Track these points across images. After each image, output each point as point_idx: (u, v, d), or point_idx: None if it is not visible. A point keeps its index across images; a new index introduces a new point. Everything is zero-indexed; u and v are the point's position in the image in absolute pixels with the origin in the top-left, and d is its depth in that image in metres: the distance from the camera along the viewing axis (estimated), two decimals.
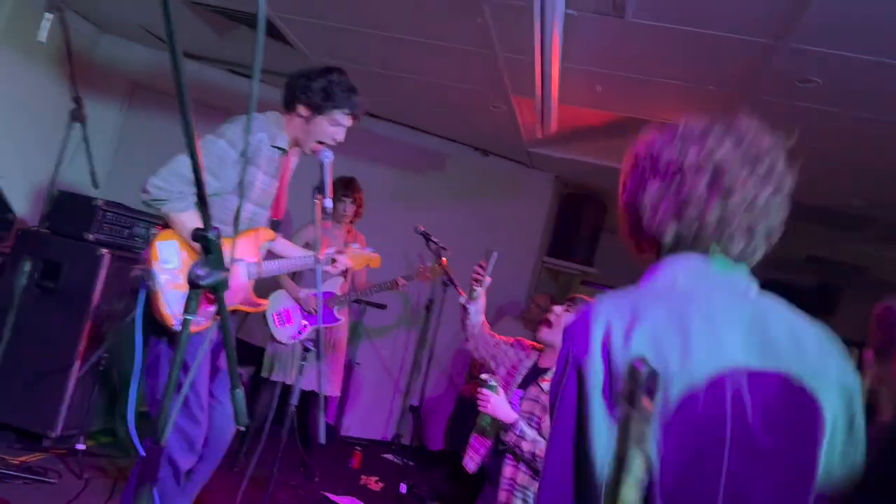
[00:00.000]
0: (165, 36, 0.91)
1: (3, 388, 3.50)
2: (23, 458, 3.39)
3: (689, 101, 3.74)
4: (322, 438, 2.56)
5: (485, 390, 2.73)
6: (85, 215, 3.75)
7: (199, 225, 1.12)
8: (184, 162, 2.41)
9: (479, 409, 2.75)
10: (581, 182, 6.08)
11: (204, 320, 2.48)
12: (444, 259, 3.96)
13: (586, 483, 0.93)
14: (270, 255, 2.87)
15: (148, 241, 2.54)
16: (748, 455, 0.93)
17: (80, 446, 3.49)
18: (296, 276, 4.32)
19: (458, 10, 3.24)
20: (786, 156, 1.09)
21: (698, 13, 2.84)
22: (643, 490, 0.88)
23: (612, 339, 0.96)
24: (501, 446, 2.79)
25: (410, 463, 4.73)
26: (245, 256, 2.65)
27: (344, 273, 3.76)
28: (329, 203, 2.57)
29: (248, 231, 2.64)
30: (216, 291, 1.15)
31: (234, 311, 2.82)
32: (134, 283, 2.55)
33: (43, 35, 2.64)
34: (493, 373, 2.92)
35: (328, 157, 2.63)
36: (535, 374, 2.89)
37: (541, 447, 2.63)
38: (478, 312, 2.97)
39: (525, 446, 2.67)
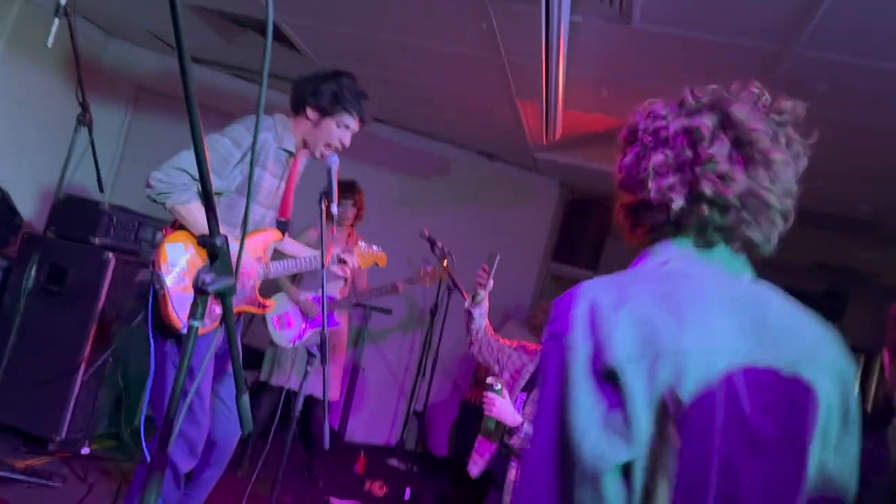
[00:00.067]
0: (174, 42, 0.91)
1: (9, 391, 3.50)
2: (27, 462, 3.39)
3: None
4: (327, 444, 2.55)
5: (490, 394, 2.73)
6: (91, 219, 3.76)
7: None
8: (187, 157, 2.41)
9: (485, 412, 2.75)
10: (586, 187, 6.07)
11: (210, 322, 2.48)
12: (445, 263, 3.95)
13: (568, 460, 0.90)
14: (277, 254, 2.88)
15: (154, 245, 2.54)
16: (740, 441, 0.89)
17: (85, 451, 3.50)
18: (295, 278, 4.31)
19: (465, 15, 3.24)
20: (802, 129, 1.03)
21: (705, 19, 2.84)
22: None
23: (597, 314, 0.93)
24: (506, 450, 2.79)
25: (415, 468, 4.73)
26: (252, 257, 2.67)
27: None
28: (336, 208, 2.57)
29: (255, 232, 2.65)
30: (223, 298, 1.15)
31: (239, 314, 2.82)
32: (141, 286, 2.56)
33: (50, 40, 2.65)
34: (497, 376, 2.91)
35: (335, 162, 2.63)
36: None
37: None
38: (481, 316, 2.97)
39: None
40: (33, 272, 3.25)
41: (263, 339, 4.27)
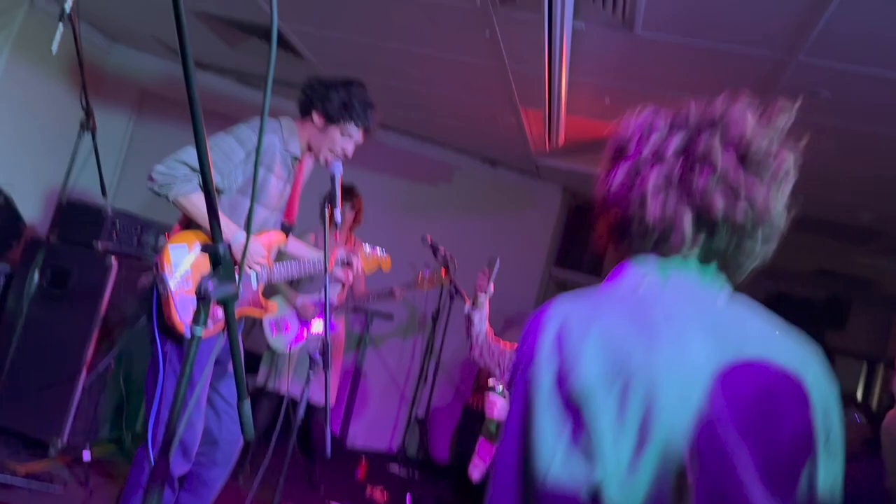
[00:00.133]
0: (178, 47, 0.91)
1: (11, 395, 3.50)
2: (29, 466, 3.39)
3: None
4: (329, 452, 2.55)
5: (492, 395, 2.73)
6: (94, 224, 3.77)
7: None
8: (190, 151, 2.43)
9: (486, 414, 2.75)
10: (589, 194, 6.01)
11: (212, 325, 2.48)
12: (443, 269, 3.94)
13: (530, 485, 0.88)
14: (281, 255, 2.88)
15: (157, 249, 2.55)
16: (719, 460, 0.85)
17: (87, 456, 3.49)
18: (294, 282, 4.29)
19: (468, 23, 3.25)
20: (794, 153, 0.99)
21: (707, 27, 2.84)
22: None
23: (566, 337, 0.91)
24: None
25: (416, 474, 4.72)
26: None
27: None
28: (339, 214, 2.58)
29: (258, 234, 2.66)
30: (225, 305, 1.15)
31: (240, 317, 2.82)
32: (144, 289, 2.56)
33: (55, 46, 2.66)
34: (498, 379, 2.91)
35: (338, 168, 2.64)
36: None
37: None
38: (481, 321, 2.97)
39: None
40: (36, 276, 3.26)
41: (264, 343, 4.26)
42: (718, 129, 0.97)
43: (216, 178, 2.46)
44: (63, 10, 2.73)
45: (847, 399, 6.21)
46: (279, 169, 2.63)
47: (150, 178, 2.43)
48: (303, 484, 4.36)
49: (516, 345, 3.29)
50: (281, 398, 4.17)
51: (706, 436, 0.85)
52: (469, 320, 2.97)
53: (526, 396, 0.92)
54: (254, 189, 1.25)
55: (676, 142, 0.98)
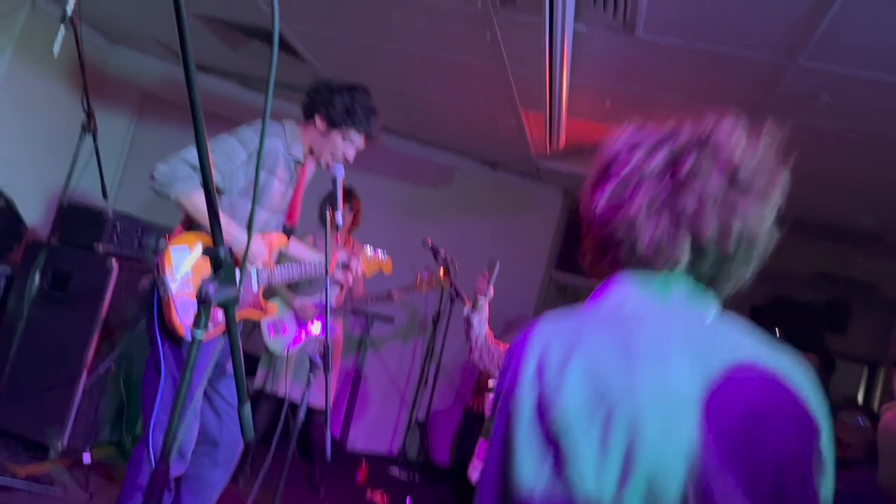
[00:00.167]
0: (180, 50, 0.91)
1: (11, 398, 3.50)
2: (29, 469, 3.39)
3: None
4: (329, 456, 2.55)
5: (492, 395, 2.72)
6: (95, 226, 3.77)
7: None
8: (192, 151, 2.43)
9: (486, 414, 2.74)
10: None
11: (212, 327, 2.48)
12: (442, 272, 3.93)
13: None
14: (282, 258, 2.88)
15: (158, 252, 2.55)
16: (706, 487, 0.83)
17: (87, 459, 3.49)
18: (292, 284, 4.28)
19: (469, 25, 3.25)
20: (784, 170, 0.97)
21: (709, 31, 2.84)
22: None
23: (547, 364, 0.90)
24: None
25: (416, 477, 4.71)
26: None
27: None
28: (340, 217, 2.58)
29: (260, 235, 2.66)
30: (226, 309, 1.15)
31: (240, 320, 2.82)
32: (144, 292, 2.56)
33: (56, 48, 2.67)
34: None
35: (340, 172, 2.64)
36: None
37: None
38: (481, 323, 2.97)
39: None
40: (37, 278, 3.26)
41: (262, 345, 4.26)
42: (708, 149, 0.95)
43: (217, 178, 2.46)
44: (65, 12, 2.74)
45: (848, 403, 6.20)
46: (282, 172, 2.63)
47: (152, 177, 2.43)
48: (303, 487, 4.35)
49: None
50: (279, 400, 4.17)
51: (692, 464, 0.83)
52: (468, 323, 2.97)
53: (507, 427, 0.91)
54: (255, 192, 1.25)
55: (663, 161, 0.96)
